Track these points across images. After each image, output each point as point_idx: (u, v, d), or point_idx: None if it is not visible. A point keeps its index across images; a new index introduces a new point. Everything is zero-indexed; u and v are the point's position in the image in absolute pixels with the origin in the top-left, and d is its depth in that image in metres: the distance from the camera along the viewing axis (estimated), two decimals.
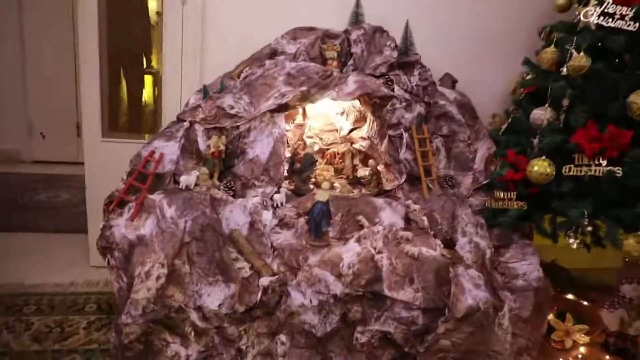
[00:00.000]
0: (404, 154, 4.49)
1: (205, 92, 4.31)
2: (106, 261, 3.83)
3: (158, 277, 3.54)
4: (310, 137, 5.22)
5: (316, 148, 5.20)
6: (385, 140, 4.58)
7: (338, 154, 4.95)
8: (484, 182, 4.64)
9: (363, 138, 4.94)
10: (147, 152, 4.03)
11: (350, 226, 4.04)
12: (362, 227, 4.01)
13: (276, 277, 3.63)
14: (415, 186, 4.52)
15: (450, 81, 5.22)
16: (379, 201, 4.23)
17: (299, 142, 4.84)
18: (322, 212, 3.65)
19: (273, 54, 4.59)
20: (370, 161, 4.48)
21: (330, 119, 5.26)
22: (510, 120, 4.69)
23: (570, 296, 4.96)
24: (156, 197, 3.84)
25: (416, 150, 4.47)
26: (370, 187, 4.39)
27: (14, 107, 7.88)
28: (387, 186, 4.54)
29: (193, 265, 3.65)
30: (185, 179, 3.94)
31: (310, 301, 3.45)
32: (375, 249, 3.67)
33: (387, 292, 3.46)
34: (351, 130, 5.15)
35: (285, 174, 4.39)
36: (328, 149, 5.15)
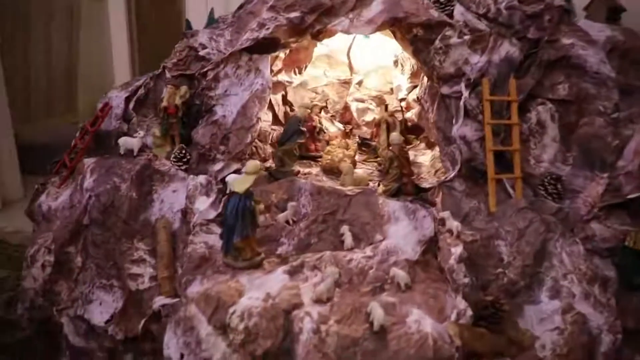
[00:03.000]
0: (460, 128, 2.38)
1: (186, 26, 3.01)
2: None
3: (44, 266, 2.50)
4: (361, 101, 3.42)
5: (369, 117, 3.37)
6: (435, 104, 2.52)
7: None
8: (630, 197, 2.18)
9: (416, 101, 2.92)
10: (102, 104, 2.98)
11: (322, 240, 2.27)
12: (343, 243, 2.20)
13: (174, 300, 2.19)
14: (479, 186, 2.38)
15: (605, 9, 2.71)
16: (393, 205, 2.33)
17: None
18: (237, 211, 2.01)
19: None
20: (394, 134, 2.53)
21: (392, 74, 3.34)
22: None
23: None
24: (89, 161, 2.76)
25: (485, 123, 2.31)
26: (388, 179, 2.45)
27: None
28: (426, 182, 2.51)
29: (88, 257, 2.49)
30: (125, 142, 2.76)
31: (182, 357, 1.90)
32: (314, 293, 1.86)
33: None
34: (412, 90, 3.15)
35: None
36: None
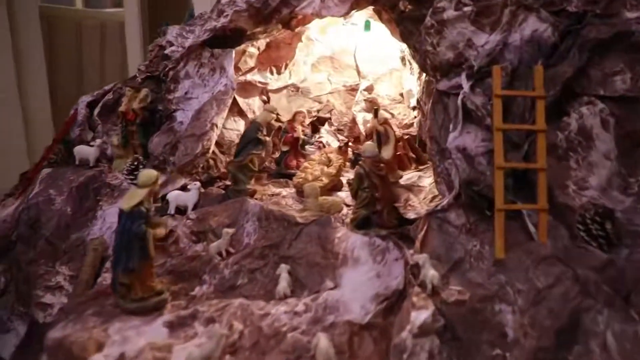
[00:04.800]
0: (458, 137, 1.67)
1: (164, 23, 2.66)
2: None
3: None
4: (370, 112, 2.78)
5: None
6: (430, 104, 1.84)
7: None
8: None
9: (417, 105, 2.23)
10: (73, 111, 2.71)
11: (253, 282, 1.68)
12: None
13: None
14: (487, 221, 1.63)
15: None
16: (354, 241, 1.67)
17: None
18: (124, 235, 1.50)
19: None
20: (366, 144, 1.87)
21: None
22: None
23: None
24: (44, 172, 2.46)
25: (494, 128, 1.58)
26: (356, 204, 1.79)
27: None
28: (413, 212, 1.81)
29: (12, 279, 2.13)
30: (79, 151, 2.43)
31: None
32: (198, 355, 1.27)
33: None
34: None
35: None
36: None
